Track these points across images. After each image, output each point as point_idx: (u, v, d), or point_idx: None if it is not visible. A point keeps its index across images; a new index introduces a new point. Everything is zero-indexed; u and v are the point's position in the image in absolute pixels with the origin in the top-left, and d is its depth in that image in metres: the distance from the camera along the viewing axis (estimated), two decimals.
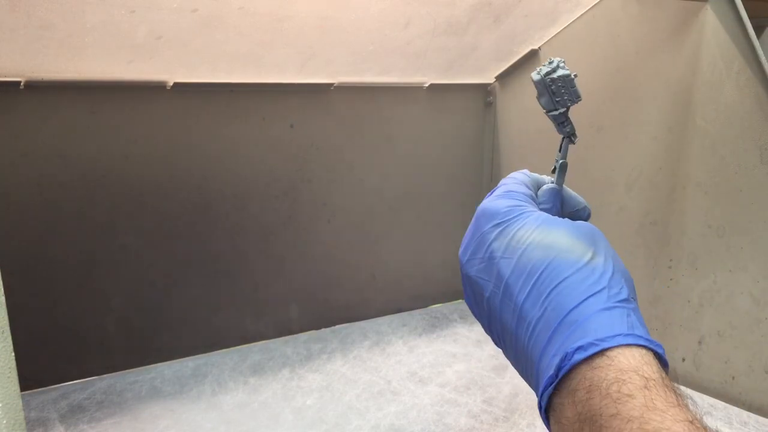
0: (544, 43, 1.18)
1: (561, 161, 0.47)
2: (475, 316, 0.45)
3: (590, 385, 0.30)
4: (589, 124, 1.10)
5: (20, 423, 0.39)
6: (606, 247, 0.39)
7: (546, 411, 0.34)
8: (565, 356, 0.32)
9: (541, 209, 0.45)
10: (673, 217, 0.96)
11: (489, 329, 0.43)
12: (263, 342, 1.18)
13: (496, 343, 0.43)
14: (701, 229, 0.92)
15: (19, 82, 0.89)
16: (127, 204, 1.02)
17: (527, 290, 0.37)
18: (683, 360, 0.96)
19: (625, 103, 1.03)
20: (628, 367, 0.30)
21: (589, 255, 0.37)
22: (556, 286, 0.35)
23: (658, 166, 0.98)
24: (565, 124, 0.46)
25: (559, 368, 0.32)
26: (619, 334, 0.32)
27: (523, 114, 1.28)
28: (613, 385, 0.29)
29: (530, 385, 0.38)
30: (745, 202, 0.86)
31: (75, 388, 0.99)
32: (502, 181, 0.48)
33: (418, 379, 1.03)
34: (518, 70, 1.26)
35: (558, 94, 0.44)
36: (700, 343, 0.95)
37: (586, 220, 0.48)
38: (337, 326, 1.26)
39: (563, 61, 0.45)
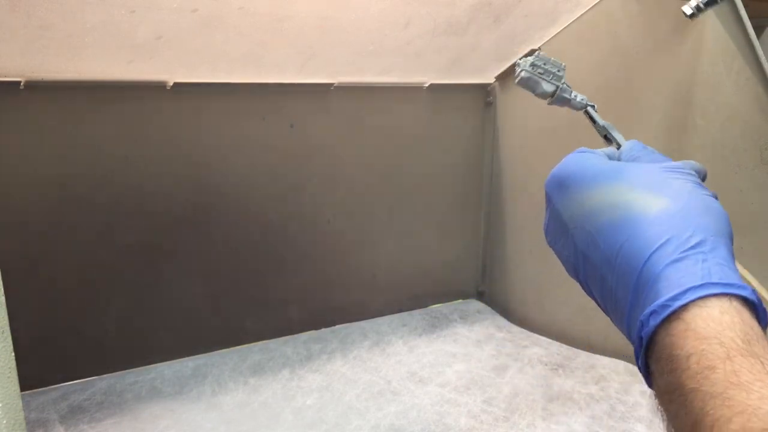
0: (544, 43, 1.18)
1: (603, 124, 0.47)
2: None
3: (670, 355, 0.28)
4: (589, 124, 1.10)
5: (20, 423, 0.39)
6: (680, 187, 0.34)
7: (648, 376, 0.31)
8: (641, 325, 0.29)
9: (638, 153, 0.41)
10: None
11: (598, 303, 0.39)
12: (263, 342, 1.18)
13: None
14: None
15: (19, 82, 0.89)
16: (127, 204, 1.02)
17: (600, 258, 0.34)
18: None
19: (625, 103, 1.03)
20: (707, 333, 0.27)
21: (656, 202, 0.33)
22: (621, 247, 0.32)
23: None
24: (574, 95, 0.46)
25: (640, 338, 0.29)
26: (690, 288, 0.28)
27: (523, 114, 1.28)
28: (692, 357, 0.27)
29: None
30: (745, 202, 0.86)
31: (75, 389, 0.99)
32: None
33: (418, 379, 1.03)
34: None
35: (547, 73, 0.45)
36: None
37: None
38: (337, 326, 1.26)
39: (521, 57, 0.46)
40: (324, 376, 1.04)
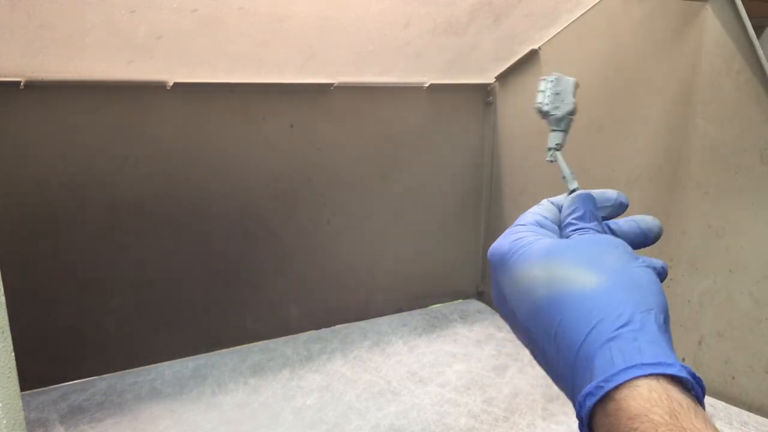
0: (544, 43, 1.18)
1: (565, 171, 0.46)
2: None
3: None
4: (589, 124, 1.10)
5: (20, 423, 0.39)
6: (615, 261, 0.35)
7: None
8: (580, 406, 0.31)
9: (572, 220, 0.41)
10: (673, 217, 0.96)
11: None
12: (263, 342, 1.18)
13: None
14: (701, 229, 0.92)
15: (19, 82, 0.89)
16: (127, 204, 1.02)
17: (541, 333, 0.35)
18: (683, 360, 0.96)
19: (625, 103, 1.03)
20: (637, 412, 0.28)
21: (590, 279, 0.34)
22: (558, 324, 0.34)
23: (658, 166, 0.98)
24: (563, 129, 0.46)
25: (580, 417, 0.31)
26: (621, 370, 0.30)
27: (523, 114, 1.28)
28: None
29: None
30: (745, 202, 0.86)
31: (75, 389, 0.99)
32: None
33: (418, 379, 1.03)
34: (518, 70, 1.26)
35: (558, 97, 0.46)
36: (700, 343, 0.95)
37: (621, 212, 0.44)
38: (337, 326, 1.26)
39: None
40: (324, 376, 1.04)
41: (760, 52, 0.82)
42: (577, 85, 0.46)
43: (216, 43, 0.91)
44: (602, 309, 0.32)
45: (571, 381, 0.33)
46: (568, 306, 0.34)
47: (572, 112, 0.46)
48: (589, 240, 0.38)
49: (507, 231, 0.42)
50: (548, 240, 0.39)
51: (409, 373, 1.05)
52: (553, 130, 0.47)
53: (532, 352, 0.39)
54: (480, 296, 1.46)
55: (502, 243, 0.41)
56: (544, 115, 0.46)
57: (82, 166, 0.98)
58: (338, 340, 1.19)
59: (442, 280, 1.42)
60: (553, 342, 0.34)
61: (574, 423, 0.89)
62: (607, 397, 0.30)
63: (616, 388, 0.29)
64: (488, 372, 1.06)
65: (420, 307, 1.38)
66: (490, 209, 1.41)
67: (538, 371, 1.07)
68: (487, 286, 1.45)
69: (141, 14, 0.79)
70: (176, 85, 1.00)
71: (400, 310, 1.35)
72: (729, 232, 0.89)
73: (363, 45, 1.03)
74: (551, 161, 0.47)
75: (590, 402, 0.30)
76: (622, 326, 0.32)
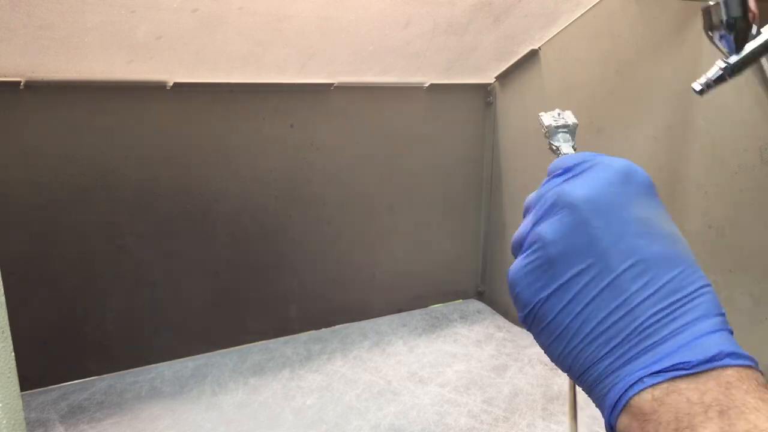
0: (544, 43, 1.18)
1: None
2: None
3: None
4: (589, 125, 1.10)
5: (20, 423, 0.39)
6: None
7: None
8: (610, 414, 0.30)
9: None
10: (673, 217, 0.96)
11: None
12: (263, 342, 1.18)
13: None
14: (701, 229, 0.92)
15: (19, 82, 0.89)
16: (127, 204, 1.02)
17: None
18: None
19: (625, 103, 1.03)
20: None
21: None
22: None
23: (658, 166, 0.98)
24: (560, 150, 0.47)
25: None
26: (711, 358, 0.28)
27: (523, 114, 1.28)
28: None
29: None
30: (745, 202, 0.86)
31: (75, 389, 0.99)
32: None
33: (418, 379, 1.03)
34: (518, 70, 1.26)
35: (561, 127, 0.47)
36: None
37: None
38: (337, 326, 1.26)
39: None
40: (324, 376, 1.04)
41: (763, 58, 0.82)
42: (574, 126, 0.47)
43: (216, 43, 0.91)
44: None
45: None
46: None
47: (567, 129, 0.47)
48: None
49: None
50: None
51: (409, 373, 1.05)
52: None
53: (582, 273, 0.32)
54: (480, 296, 1.46)
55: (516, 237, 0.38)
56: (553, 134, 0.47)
57: (82, 166, 0.98)
58: (338, 340, 1.19)
59: (442, 280, 1.42)
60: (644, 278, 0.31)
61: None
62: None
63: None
64: (488, 372, 1.06)
65: (420, 307, 1.38)
66: (490, 209, 1.41)
67: (538, 371, 1.07)
68: (487, 285, 1.45)
69: (141, 14, 0.79)
70: (176, 85, 1.00)
71: (400, 310, 1.36)
72: (729, 232, 0.89)
73: (363, 45, 1.03)
74: None
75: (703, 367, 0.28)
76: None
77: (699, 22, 0.89)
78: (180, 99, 1.03)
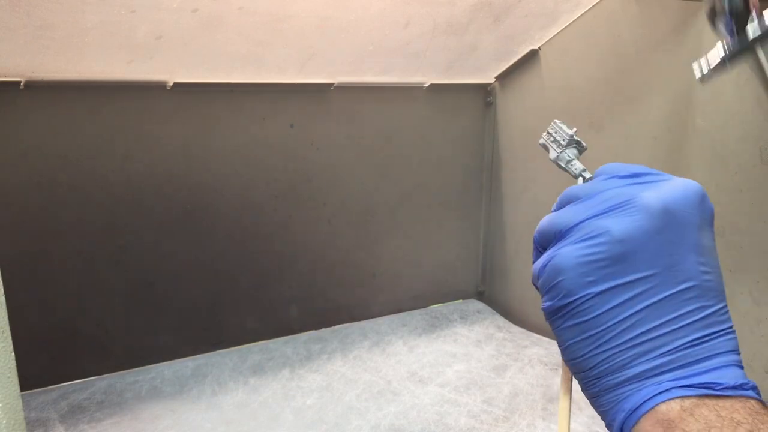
0: (544, 43, 1.18)
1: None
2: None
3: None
4: (589, 124, 1.10)
5: (20, 423, 0.39)
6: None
7: None
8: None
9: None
10: None
11: None
12: (263, 342, 1.18)
13: None
14: None
15: (19, 82, 0.89)
16: (127, 204, 1.02)
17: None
18: None
19: (625, 103, 1.03)
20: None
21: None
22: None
23: (658, 166, 0.98)
24: (571, 165, 0.46)
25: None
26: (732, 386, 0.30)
27: (523, 114, 1.28)
28: None
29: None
30: (745, 202, 0.86)
31: (75, 388, 0.99)
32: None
33: (418, 379, 1.03)
34: (518, 70, 1.26)
35: (555, 142, 0.47)
36: None
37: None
38: (337, 326, 1.26)
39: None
40: (324, 376, 1.04)
41: (760, 52, 0.82)
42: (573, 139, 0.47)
43: (216, 43, 0.91)
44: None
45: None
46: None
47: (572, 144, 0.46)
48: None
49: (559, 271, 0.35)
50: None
51: (409, 373, 1.06)
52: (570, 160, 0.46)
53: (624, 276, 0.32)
54: (480, 296, 1.46)
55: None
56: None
57: (82, 166, 0.98)
58: (338, 340, 1.19)
59: (442, 280, 1.42)
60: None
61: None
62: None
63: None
64: (488, 372, 1.06)
65: (420, 307, 1.38)
66: (490, 209, 1.41)
67: (538, 371, 1.07)
68: (487, 285, 1.45)
69: (141, 14, 0.79)
70: (176, 85, 1.00)
71: (400, 310, 1.35)
72: (729, 232, 0.89)
73: (363, 45, 1.03)
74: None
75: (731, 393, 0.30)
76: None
77: (699, 22, 0.89)
78: (180, 99, 1.03)
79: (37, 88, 0.91)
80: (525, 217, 1.29)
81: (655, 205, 0.32)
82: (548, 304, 0.34)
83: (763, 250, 0.85)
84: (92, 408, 0.93)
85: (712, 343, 0.31)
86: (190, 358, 1.10)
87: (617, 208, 0.32)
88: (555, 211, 0.36)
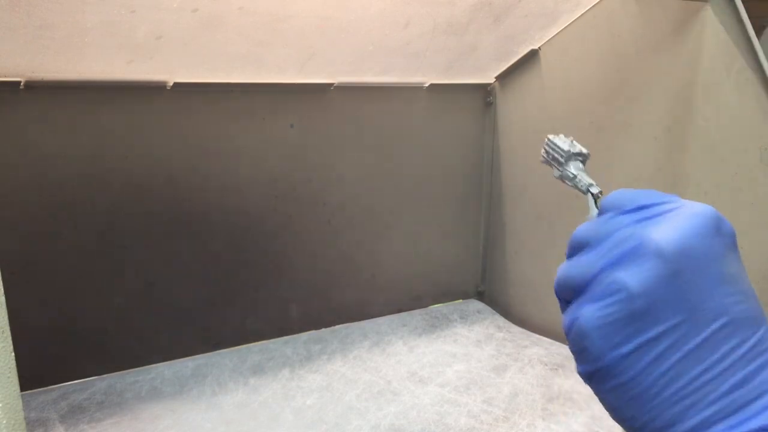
0: (544, 43, 1.18)
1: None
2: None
3: None
4: (589, 124, 1.10)
5: (20, 423, 0.39)
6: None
7: None
8: None
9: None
10: None
11: None
12: (263, 342, 1.18)
13: None
14: None
15: (19, 82, 0.89)
16: (127, 204, 1.02)
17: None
18: None
19: (625, 103, 1.03)
20: None
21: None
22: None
23: (658, 166, 0.98)
24: (577, 180, 0.45)
25: None
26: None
27: (523, 114, 1.28)
28: None
29: None
30: (745, 202, 0.86)
31: (75, 388, 0.99)
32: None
33: (418, 379, 1.03)
34: (518, 70, 1.26)
35: (555, 160, 0.45)
36: None
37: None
38: (337, 326, 1.26)
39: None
40: (324, 376, 1.04)
41: (760, 52, 0.82)
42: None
43: (216, 43, 0.91)
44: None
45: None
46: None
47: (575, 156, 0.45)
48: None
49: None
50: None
51: (409, 373, 1.06)
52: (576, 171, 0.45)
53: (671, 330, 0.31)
54: (480, 296, 1.46)
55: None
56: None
57: (82, 166, 0.98)
58: (338, 340, 1.19)
59: (442, 280, 1.42)
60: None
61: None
62: None
63: None
64: (488, 372, 1.06)
65: (420, 307, 1.38)
66: (490, 209, 1.41)
67: (538, 371, 1.07)
68: (487, 285, 1.45)
69: (141, 14, 0.79)
70: (176, 85, 1.00)
71: (400, 310, 1.35)
72: None
73: (363, 45, 1.03)
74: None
75: None
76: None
77: (699, 22, 0.90)
78: (180, 99, 1.03)
79: (37, 88, 0.91)
80: (525, 217, 1.29)
81: (667, 248, 0.30)
82: (581, 368, 0.33)
83: (763, 250, 0.85)
84: (92, 408, 0.93)
85: (759, 378, 0.29)
86: (190, 358, 1.10)
87: (630, 256, 0.31)
88: (567, 257, 0.35)
